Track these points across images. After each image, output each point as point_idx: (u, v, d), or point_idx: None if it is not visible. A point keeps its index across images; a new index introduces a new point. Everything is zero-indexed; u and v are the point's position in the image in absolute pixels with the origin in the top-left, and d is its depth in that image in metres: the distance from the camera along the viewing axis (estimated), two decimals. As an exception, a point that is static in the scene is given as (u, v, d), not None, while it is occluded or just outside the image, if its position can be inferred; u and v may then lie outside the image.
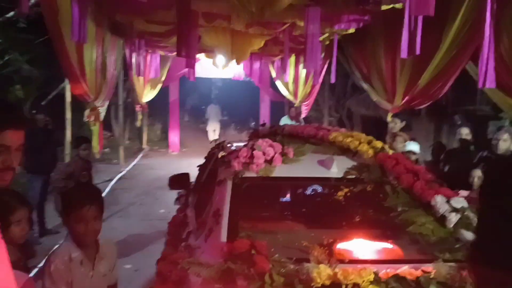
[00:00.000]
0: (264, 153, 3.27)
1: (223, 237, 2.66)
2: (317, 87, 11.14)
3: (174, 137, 15.75)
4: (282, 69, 9.65)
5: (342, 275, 2.16)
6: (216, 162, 3.69)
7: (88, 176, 5.64)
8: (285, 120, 10.68)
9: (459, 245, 2.56)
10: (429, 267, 2.30)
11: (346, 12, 6.86)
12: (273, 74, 13.75)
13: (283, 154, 3.32)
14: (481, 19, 3.90)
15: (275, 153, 3.29)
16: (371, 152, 3.36)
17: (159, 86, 13.57)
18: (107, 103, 8.26)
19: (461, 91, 7.19)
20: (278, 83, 13.51)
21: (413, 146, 5.69)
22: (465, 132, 5.77)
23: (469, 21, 5.17)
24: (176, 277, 2.52)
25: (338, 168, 3.21)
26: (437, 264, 2.31)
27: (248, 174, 3.14)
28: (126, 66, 10.92)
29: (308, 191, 3.88)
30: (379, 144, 3.50)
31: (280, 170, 3.19)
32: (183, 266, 2.41)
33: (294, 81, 12.68)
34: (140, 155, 14.25)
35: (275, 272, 2.23)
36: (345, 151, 3.48)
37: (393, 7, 6.63)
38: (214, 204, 3.03)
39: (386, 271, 2.28)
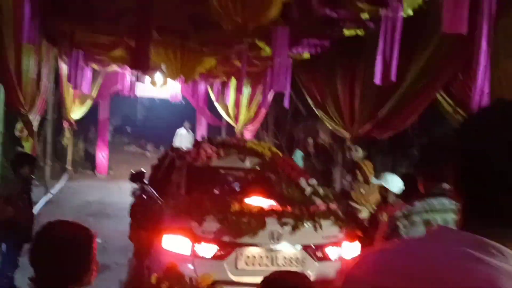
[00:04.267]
0: (205, 152, 5.37)
1: (183, 192, 4.80)
2: (263, 111, 10.91)
3: (102, 158, 14.61)
4: (238, 91, 9.27)
5: (245, 207, 4.42)
6: (173, 158, 5.79)
7: (28, 200, 4.79)
8: (298, 156, 9.42)
9: (311, 205, 4.71)
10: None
11: (310, 35, 6.69)
12: (212, 97, 13.35)
13: (217, 153, 5.41)
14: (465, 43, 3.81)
15: (212, 152, 5.40)
16: (269, 154, 5.59)
17: (88, 103, 12.59)
18: (39, 117, 7.35)
19: (422, 123, 7.24)
20: (218, 107, 13.15)
21: (393, 181, 4.89)
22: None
23: (443, 48, 5.11)
24: (155, 211, 4.87)
25: (249, 162, 5.44)
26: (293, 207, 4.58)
27: (196, 164, 5.27)
28: (56, 78, 9.97)
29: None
30: (275, 149, 6.00)
31: (215, 162, 5.37)
32: (163, 204, 4.86)
33: (235, 105, 12.39)
34: (66, 177, 12.98)
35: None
36: (254, 153, 5.57)
37: (356, 33, 6.59)
38: (176, 180, 5.09)
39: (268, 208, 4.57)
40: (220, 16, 4.03)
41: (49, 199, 10.09)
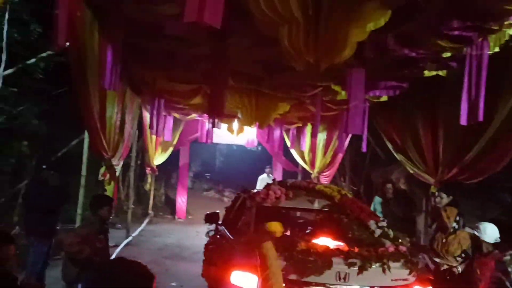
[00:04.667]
0: (274, 193, 5.62)
1: (252, 230, 5.04)
2: (339, 156, 10.64)
3: (181, 203, 14.97)
4: (313, 136, 9.15)
5: (311, 246, 4.45)
6: (244, 199, 6.01)
7: (105, 240, 4.92)
8: (377, 202, 8.28)
9: (380, 247, 4.60)
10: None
11: (387, 76, 6.48)
12: (288, 143, 13.30)
13: (286, 194, 5.66)
14: None
15: (281, 193, 5.65)
16: (338, 196, 5.66)
17: (170, 150, 13.06)
18: (121, 163, 7.68)
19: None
20: (294, 152, 13.04)
21: (489, 230, 4.51)
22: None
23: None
24: (226, 248, 5.21)
25: (318, 204, 5.83)
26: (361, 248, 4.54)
27: (265, 204, 5.51)
28: (140, 126, 10.49)
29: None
30: (344, 191, 5.92)
31: (284, 203, 5.63)
32: (233, 241, 5.16)
33: (311, 150, 12.22)
34: (146, 221, 13.42)
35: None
36: (323, 195, 5.76)
37: (436, 74, 6.28)
38: (246, 219, 5.42)
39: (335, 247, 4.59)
40: (292, 57, 3.99)
41: (129, 241, 10.38)
